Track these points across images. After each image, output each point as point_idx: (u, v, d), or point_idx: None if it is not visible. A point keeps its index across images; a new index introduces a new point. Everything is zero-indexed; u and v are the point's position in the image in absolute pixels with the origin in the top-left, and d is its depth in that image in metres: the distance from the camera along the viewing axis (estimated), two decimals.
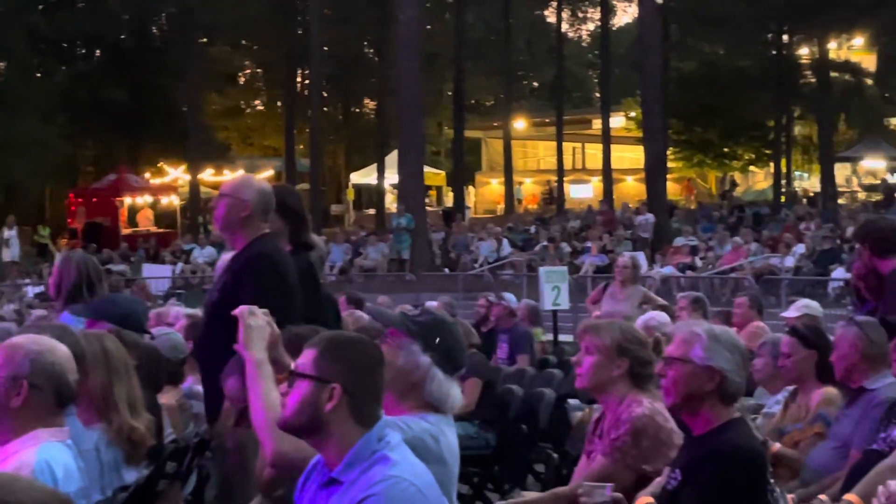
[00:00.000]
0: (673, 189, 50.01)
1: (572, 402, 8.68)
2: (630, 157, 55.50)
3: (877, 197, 45.78)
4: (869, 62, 49.56)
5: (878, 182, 50.99)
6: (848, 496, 4.95)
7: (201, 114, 47.13)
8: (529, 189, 59.86)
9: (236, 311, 4.39)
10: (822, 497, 5.29)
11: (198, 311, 7.88)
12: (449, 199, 53.88)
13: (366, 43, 54.46)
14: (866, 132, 50.60)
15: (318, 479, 3.50)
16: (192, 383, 7.05)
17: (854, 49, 50.03)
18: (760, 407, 7.32)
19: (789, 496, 5.20)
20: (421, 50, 33.93)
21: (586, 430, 5.53)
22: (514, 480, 8.94)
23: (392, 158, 41.70)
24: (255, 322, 4.34)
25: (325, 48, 46.86)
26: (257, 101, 63.35)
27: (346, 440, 3.43)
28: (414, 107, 32.58)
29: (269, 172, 48.06)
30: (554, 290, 16.57)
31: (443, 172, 55.78)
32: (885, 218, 7.90)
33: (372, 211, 51.15)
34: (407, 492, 3.32)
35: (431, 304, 12.71)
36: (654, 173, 36.03)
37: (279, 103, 54.68)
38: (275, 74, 53.92)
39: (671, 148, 47.17)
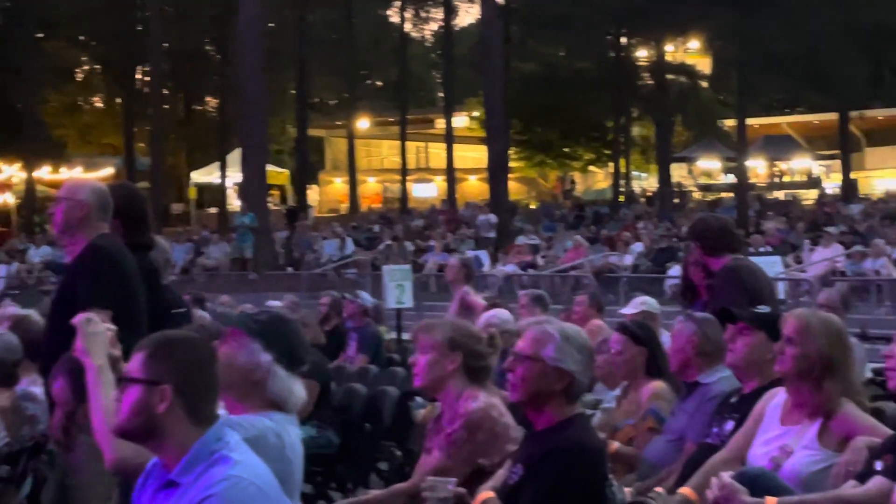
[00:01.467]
0: (515, 188, 50.55)
1: (416, 399, 8.71)
2: (473, 156, 55.89)
3: (712, 196, 47.00)
4: (704, 65, 50.79)
5: (714, 182, 52.36)
6: (682, 489, 5.06)
7: (38, 111, 45.94)
8: (373, 188, 59.89)
9: (74, 321, 4.33)
10: (659, 489, 5.40)
11: (29, 312, 7.67)
12: (292, 198, 53.54)
13: (207, 40, 53.75)
14: (701, 133, 51.81)
15: (156, 482, 3.44)
16: (27, 385, 6.87)
17: (690, 52, 51.22)
18: (599, 402, 7.44)
19: (626, 489, 5.30)
20: (263, 48, 33.65)
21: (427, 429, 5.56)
22: (358, 479, 8.95)
23: (235, 157, 41.25)
24: (94, 329, 4.27)
25: (166, 45, 46.12)
26: (96, 98, 61.97)
27: (182, 441, 3.37)
28: (257, 105, 32.33)
29: (109, 171, 47.07)
30: (398, 288, 16.58)
31: (286, 171, 55.36)
32: (716, 216, 8.06)
33: (214, 210, 50.50)
34: (247, 491, 3.28)
35: (274, 303, 12.64)
36: (497, 173, 36.37)
37: (118, 100, 53.64)
38: (114, 71, 52.86)
39: (513, 148, 47.66)
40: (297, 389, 4.02)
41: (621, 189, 48.62)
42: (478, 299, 11.57)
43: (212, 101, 59.48)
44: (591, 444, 4.32)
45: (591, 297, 10.55)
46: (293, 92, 52.85)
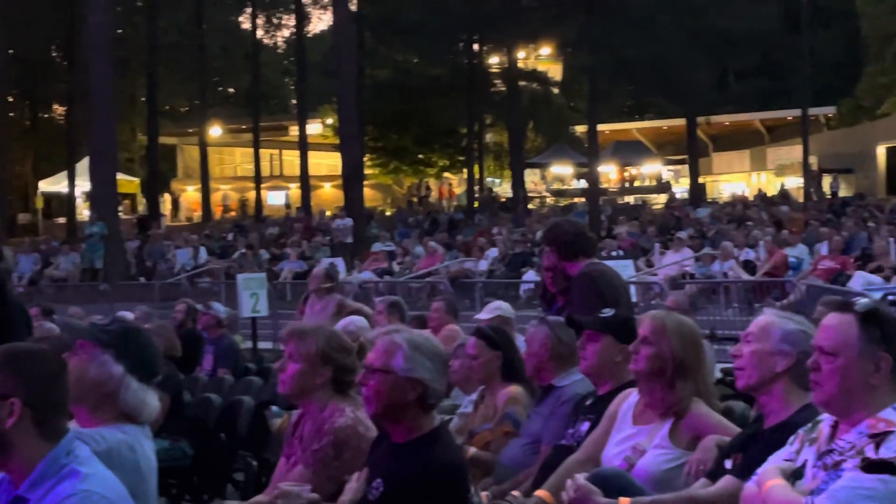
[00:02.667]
0: (370, 195, 50.55)
1: (272, 408, 8.64)
2: (327, 163, 55.82)
3: (564, 202, 47.60)
4: (555, 72, 51.52)
5: (567, 187, 53.04)
6: (538, 492, 5.10)
7: None
8: (227, 196, 59.32)
9: None
10: (515, 493, 5.43)
11: None
12: (143, 207, 52.72)
13: (53, 46, 52.65)
14: (553, 139, 52.47)
15: (3, 498, 3.34)
16: None
17: (541, 59, 51.89)
18: (456, 407, 7.47)
19: (483, 493, 5.32)
20: (112, 55, 33.05)
21: (285, 435, 5.50)
22: (214, 490, 8.84)
23: (83, 165, 40.44)
24: None
25: (10, 51, 45.01)
26: None
27: (31, 456, 3.28)
28: (105, 112, 31.71)
29: None
30: (252, 297, 16.45)
31: (137, 180, 54.52)
32: (571, 221, 8.10)
33: (63, 220, 49.46)
34: None
35: (126, 314, 12.39)
36: (352, 180, 36.29)
37: None
38: None
39: (368, 154, 47.71)
40: (151, 400, 3.95)
41: (476, 195, 49.00)
42: (351, 302, 11.56)
43: (59, 109, 58.27)
44: (456, 461, 4.30)
45: (446, 303, 10.61)
46: (143, 99, 52.05)
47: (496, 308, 9.13)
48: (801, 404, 4.19)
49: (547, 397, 6.13)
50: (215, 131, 58.29)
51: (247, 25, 59.36)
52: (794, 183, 52.34)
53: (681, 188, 52.49)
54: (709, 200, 47.40)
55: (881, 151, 53.12)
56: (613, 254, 24.73)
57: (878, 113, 54.53)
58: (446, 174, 57.64)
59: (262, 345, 16.49)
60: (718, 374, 8.57)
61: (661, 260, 23.50)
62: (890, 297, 11.29)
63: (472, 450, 6.18)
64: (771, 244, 21.81)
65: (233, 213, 54.93)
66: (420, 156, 53.79)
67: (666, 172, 55.69)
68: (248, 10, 57.28)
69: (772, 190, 52.38)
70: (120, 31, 43.66)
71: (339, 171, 40.45)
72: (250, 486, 7.99)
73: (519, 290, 22.73)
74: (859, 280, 17.50)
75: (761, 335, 4.32)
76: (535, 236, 27.53)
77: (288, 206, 54.82)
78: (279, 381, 5.26)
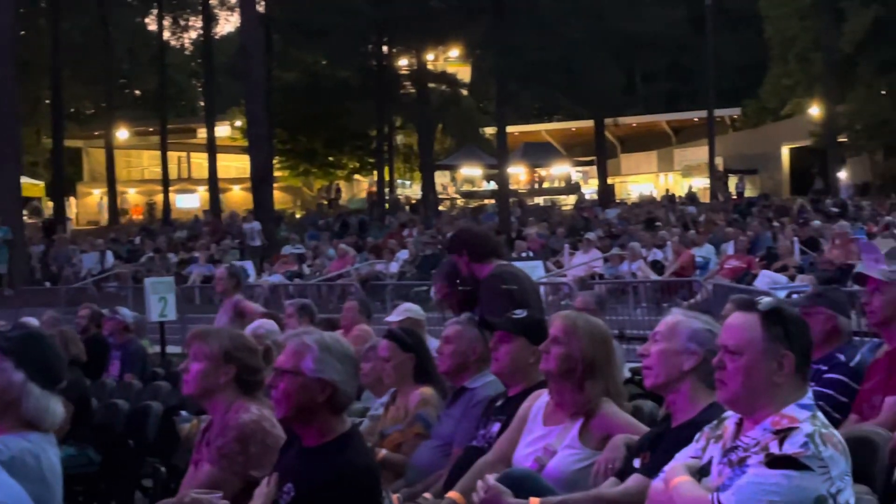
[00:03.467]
0: (280, 198, 50.30)
1: (182, 414, 8.55)
2: (236, 166, 55.44)
3: (475, 203, 47.72)
4: (464, 74, 51.63)
5: (476, 189, 53.19)
6: (450, 493, 5.10)
7: None
8: (133, 199, 58.65)
9: None
10: (427, 495, 5.43)
11: None
12: (49, 211, 51.91)
13: None
14: (463, 141, 52.58)
15: None
16: None
17: (450, 61, 51.96)
18: (367, 410, 7.45)
19: (394, 496, 5.31)
20: (15, 57, 32.53)
21: (195, 441, 5.45)
22: (121, 497, 8.73)
23: None
24: None
25: None
26: None
27: None
28: (9, 115, 31.20)
29: None
30: (161, 301, 16.30)
31: (41, 183, 53.68)
32: (475, 225, 8.17)
33: None
34: None
35: (31, 319, 12.20)
36: (260, 182, 36.09)
37: None
38: None
39: (277, 157, 47.46)
40: (54, 407, 3.89)
41: (386, 197, 48.97)
42: (254, 305, 11.47)
43: None
44: (367, 464, 4.29)
45: (359, 303, 10.66)
46: (48, 101, 51.26)
47: (406, 310, 9.13)
48: (708, 402, 4.24)
49: (458, 399, 6.14)
50: (122, 134, 57.61)
51: (153, 27, 58.71)
52: (701, 183, 53.01)
53: (590, 189, 52.90)
54: (617, 201, 47.84)
55: (785, 152, 54.01)
56: (523, 255, 24.86)
57: (781, 114, 55.39)
58: (356, 176, 57.53)
59: (170, 349, 16.31)
60: (627, 374, 8.62)
61: (570, 261, 23.66)
62: (794, 296, 11.45)
63: (384, 452, 6.17)
64: (678, 244, 22.05)
65: (138, 217, 54.24)
66: (330, 158, 53.61)
67: (575, 174, 56.07)
68: (154, 11, 56.66)
69: (679, 191, 53.01)
70: (23, 32, 42.91)
71: (248, 174, 40.20)
72: (158, 492, 7.88)
73: (430, 292, 22.71)
74: (765, 279, 17.76)
75: (668, 334, 4.36)
76: (446, 238, 27.55)
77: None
78: (183, 382, 5.23)
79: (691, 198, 46.56)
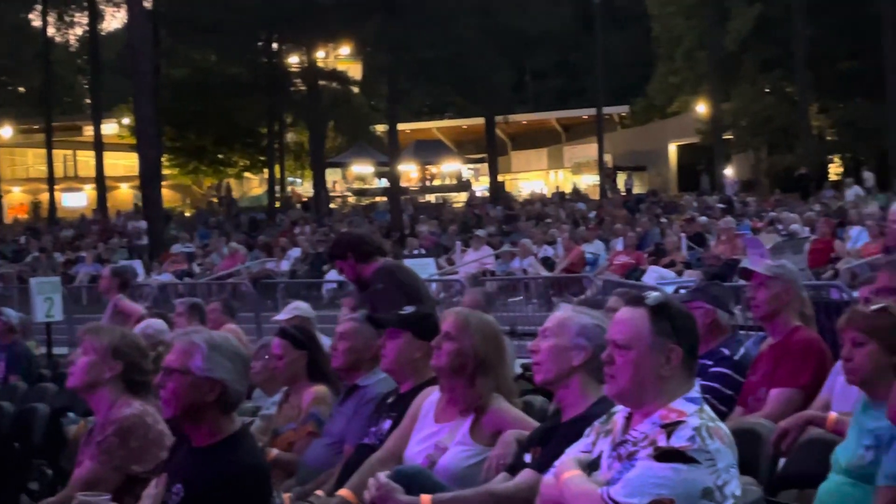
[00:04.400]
0: (169, 196, 49.74)
1: (69, 415, 8.42)
2: (124, 164, 54.74)
3: (366, 201, 47.65)
4: (355, 71, 51.51)
5: (368, 186, 53.13)
6: (341, 491, 5.09)
7: None
8: (18, 198, 57.58)
9: None
10: (318, 493, 5.41)
11: None
12: None
13: None
14: (354, 138, 52.48)
15: None
16: None
17: (341, 58, 51.82)
18: (258, 409, 7.40)
19: (285, 495, 5.29)
20: None
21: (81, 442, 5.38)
22: (7, 500, 8.56)
23: None
24: None
25: None
26: None
27: None
28: None
29: None
30: (46, 301, 16.01)
31: None
32: (355, 229, 8.24)
33: None
34: None
35: None
36: (149, 180, 35.59)
37: None
38: None
39: (166, 155, 46.86)
40: None
41: (277, 195, 48.68)
42: (133, 305, 11.31)
43: None
44: (257, 463, 4.27)
45: (222, 303, 10.72)
46: None
47: (295, 308, 9.08)
48: (597, 397, 4.28)
49: (351, 396, 6.12)
50: (6, 132, 56.54)
51: (37, 23, 57.54)
52: (591, 180, 53.55)
53: (481, 186, 53.14)
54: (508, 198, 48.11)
55: (672, 149, 54.76)
56: (415, 252, 24.89)
57: (668, 112, 56.15)
58: (247, 174, 57.11)
59: (56, 350, 16.02)
60: (518, 370, 8.67)
61: (462, 258, 23.75)
62: (682, 291, 11.62)
63: (275, 451, 6.14)
64: (568, 241, 22.25)
65: (23, 216, 53.21)
66: (220, 156, 53.09)
67: (466, 171, 56.30)
68: (39, 7, 55.57)
69: (569, 187, 53.48)
70: None
71: (136, 172, 39.68)
72: (45, 495, 7.74)
73: (321, 290, 22.66)
74: (653, 274, 18.00)
75: (558, 330, 4.40)
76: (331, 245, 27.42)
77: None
78: (69, 374, 5.18)
79: (577, 194, 47.02)
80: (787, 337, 6.11)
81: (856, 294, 7.22)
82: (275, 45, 46.67)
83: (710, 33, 47.08)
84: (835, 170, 50.83)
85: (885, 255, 7.38)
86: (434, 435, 5.02)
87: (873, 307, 4.54)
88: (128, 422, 4.92)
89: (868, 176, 39.35)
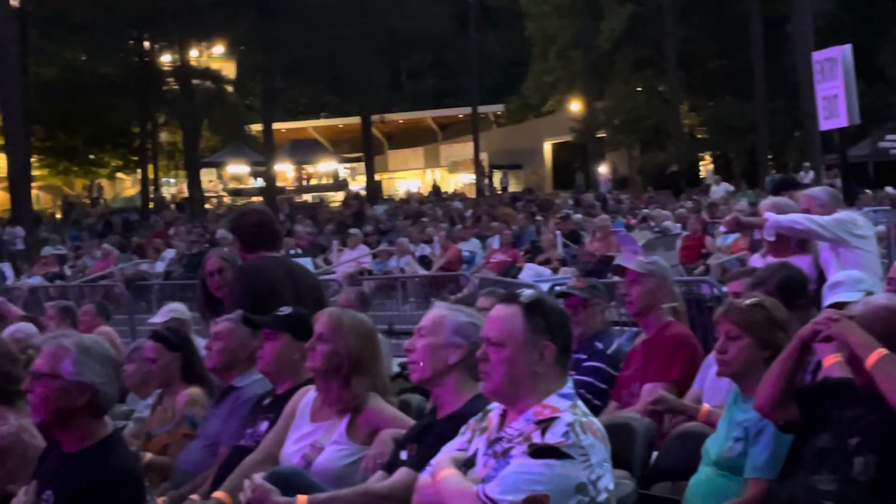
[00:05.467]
0: (39, 197, 48.76)
1: None
2: None
3: (242, 201, 47.24)
4: (229, 70, 51.02)
5: (244, 186, 52.73)
6: (216, 493, 5.05)
7: None
8: None
9: None
10: (194, 496, 5.35)
11: None
12: None
13: None
14: (229, 138, 52.01)
15: None
16: None
17: (215, 57, 51.28)
18: (131, 412, 7.29)
19: (159, 500, 5.22)
20: None
21: None
22: None
23: None
24: None
25: None
26: None
27: None
28: None
29: None
30: None
31: None
32: (259, 211, 7.78)
33: None
34: None
35: None
36: (18, 182, 34.90)
37: None
38: None
39: (35, 155, 45.91)
40: None
41: (150, 195, 48.03)
42: (13, 308, 11.11)
43: None
44: (130, 468, 4.21)
45: (97, 306, 10.63)
46: None
47: (170, 311, 8.95)
48: (473, 395, 4.30)
49: (226, 397, 6.07)
50: None
51: None
52: (467, 179, 53.78)
53: (358, 185, 53.06)
54: (385, 197, 48.12)
55: (547, 147, 55.27)
56: (292, 252, 24.72)
57: (543, 110, 56.63)
58: (119, 174, 56.23)
59: None
60: (396, 369, 8.69)
61: (339, 257, 23.67)
62: (557, 288, 11.74)
63: (149, 455, 6.06)
64: (445, 239, 22.31)
65: None
66: (91, 156, 52.19)
67: (343, 170, 56.21)
68: None
69: (445, 186, 53.65)
70: None
71: (4, 173, 38.83)
72: None
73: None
74: (529, 272, 18.12)
75: (433, 329, 4.41)
76: (215, 236, 27.16)
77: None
78: None
79: (454, 193, 47.24)
80: (659, 332, 6.21)
81: (725, 289, 7.36)
82: (147, 44, 46.03)
83: (584, 33, 47.60)
84: (706, 167, 51.78)
85: (751, 251, 7.60)
86: (310, 435, 5.00)
87: (748, 301, 4.63)
88: (4, 442, 4.79)
89: (711, 177, 40.46)
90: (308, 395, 5.18)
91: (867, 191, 25.61)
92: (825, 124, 9.43)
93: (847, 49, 9.22)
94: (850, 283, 5.59)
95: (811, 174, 30.68)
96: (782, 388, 4.18)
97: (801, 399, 4.24)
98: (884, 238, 13.82)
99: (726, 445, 4.44)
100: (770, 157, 45.78)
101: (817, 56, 9.58)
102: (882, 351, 3.93)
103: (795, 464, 4.17)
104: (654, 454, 5.23)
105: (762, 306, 4.60)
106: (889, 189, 27.17)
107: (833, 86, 9.13)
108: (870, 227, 7.52)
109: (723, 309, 4.70)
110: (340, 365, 4.94)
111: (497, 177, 52.81)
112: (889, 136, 37.02)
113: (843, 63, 9.05)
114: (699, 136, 50.09)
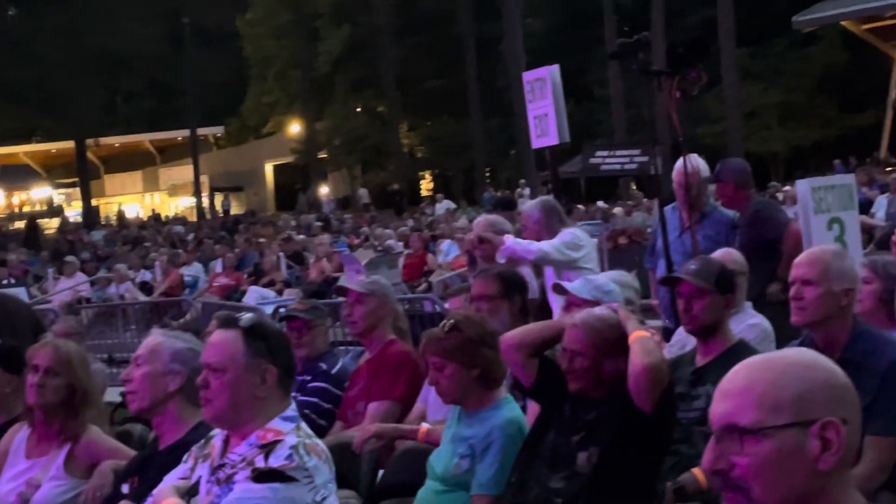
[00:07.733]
0: None
1: None
2: None
3: None
4: None
5: None
6: None
7: None
8: None
9: None
10: None
11: None
12: None
13: None
14: None
15: None
16: None
17: None
18: None
19: None
20: None
21: None
22: None
23: None
24: None
25: None
26: None
27: None
28: None
29: None
30: None
31: None
32: None
33: None
34: None
35: None
36: None
37: None
38: None
39: None
40: None
41: None
42: None
43: None
44: None
45: None
46: None
47: None
48: (195, 422, 4.22)
49: None
50: None
51: None
52: (188, 202, 53.03)
53: (74, 211, 51.57)
54: (103, 223, 46.94)
55: (269, 169, 55.12)
56: (4, 282, 23.79)
57: (263, 132, 56.47)
58: None
59: None
60: (118, 398, 8.45)
61: (55, 286, 22.92)
62: (282, 311, 11.70)
63: None
64: (166, 264, 21.92)
65: None
66: None
67: (57, 196, 54.53)
68: None
69: (166, 210, 52.74)
70: None
71: None
72: None
73: None
74: (253, 295, 17.98)
75: (151, 357, 4.32)
76: None
77: None
78: None
79: (178, 217, 46.51)
80: (382, 351, 6.26)
81: (447, 305, 7.48)
82: None
83: (302, 54, 47.70)
84: (426, 185, 52.65)
85: (471, 266, 7.74)
86: (26, 472, 4.83)
87: (445, 327, 4.66)
88: None
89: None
90: (21, 432, 4.99)
91: (579, 206, 26.43)
92: (537, 142, 9.64)
93: (555, 69, 9.47)
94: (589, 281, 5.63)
95: (528, 190, 31.55)
96: (535, 345, 4.47)
97: (543, 366, 4.46)
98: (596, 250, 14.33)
99: (453, 462, 4.50)
100: (487, 174, 46.92)
101: (527, 76, 9.80)
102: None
103: (530, 464, 4.29)
104: (381, 472, 5.27)
105: (457, 329, 4.61)
106: (600, 203, 28.15)
107: (543, 105, 9.35)
108: (587, 238, 7.76)
109: (423, 343, 4.72)
110: (72, 397, 4.80)
111: (219, 199, 52.24)
112: (599, 153, 38.38)
113: (551, 82, 9.29)
114: (419, 154, 50.88)
